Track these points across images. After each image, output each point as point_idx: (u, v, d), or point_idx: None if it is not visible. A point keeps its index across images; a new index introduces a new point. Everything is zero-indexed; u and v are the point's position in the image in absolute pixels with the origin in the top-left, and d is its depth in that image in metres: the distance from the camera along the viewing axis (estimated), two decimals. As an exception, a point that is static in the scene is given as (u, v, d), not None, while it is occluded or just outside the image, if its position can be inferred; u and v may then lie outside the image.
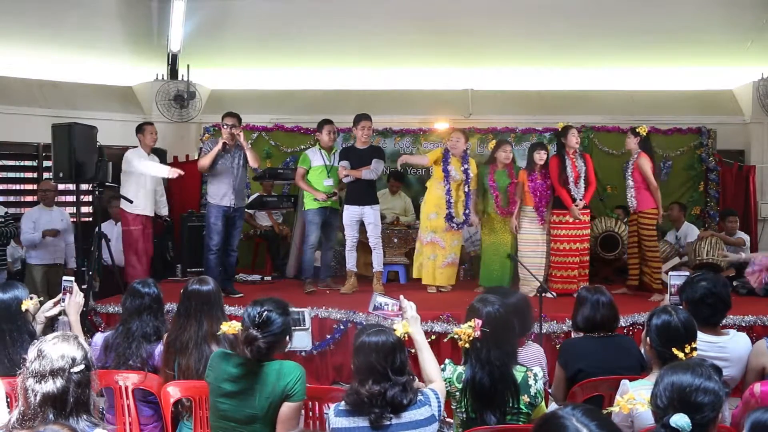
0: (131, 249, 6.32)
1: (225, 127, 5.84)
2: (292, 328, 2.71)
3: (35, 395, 2.02)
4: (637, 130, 5.91)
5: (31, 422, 2.01)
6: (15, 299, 3.12)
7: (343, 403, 2.37)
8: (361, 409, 2.31)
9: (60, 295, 3.40)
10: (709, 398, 1.91)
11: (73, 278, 3.48)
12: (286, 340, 2.66)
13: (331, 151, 6.24)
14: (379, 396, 2.29)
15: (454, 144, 6.11)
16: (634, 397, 2.02)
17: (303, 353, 5.22)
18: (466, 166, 6.15)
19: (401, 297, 2.79)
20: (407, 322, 2.66)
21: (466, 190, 6.13)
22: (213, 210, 5.92)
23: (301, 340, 3.09)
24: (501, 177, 6.13)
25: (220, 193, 5.89)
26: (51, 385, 2.02)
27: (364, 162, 6.07)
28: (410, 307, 2.73)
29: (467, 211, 6.15)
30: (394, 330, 2.48)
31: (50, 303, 3.40)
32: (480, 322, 2.59)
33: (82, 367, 2.08)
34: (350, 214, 6.11)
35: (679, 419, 1.86)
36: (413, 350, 2.70)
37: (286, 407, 2.55)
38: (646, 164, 5.83)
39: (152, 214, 6.47)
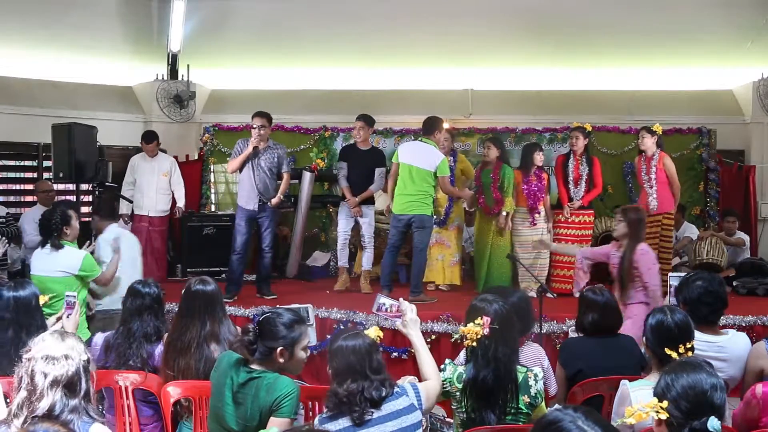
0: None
1: (254, 128, 5.69)
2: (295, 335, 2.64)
3: (45, 376, 2.08)
4: (653, 129, 5.79)
5: (37, 403, 2.07)
6: (33, 295, 3.27)
7: (325, 410, 2.40)
8: (342, 410, 2.34)
9: (63, 310, 3.43)
10: (724, 396, 1.94)
11: (75, 294, 3.53)
12: (277, 352, 2.56)
13: None
14: (358, 393, 2.33)
15: (442, 143, 6.09)
16: (653, 405, 1.95)
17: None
18: (453, 162, 6.20)
19: (401, 299, 2.83)
20: (404, 323, 2.72)
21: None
22: (238, 212, 5.83)
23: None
24: (485, 175, 6.20)
25: (245, 196, 5.76)
26: (63, 368, 2.10)
27: (363, 163, 6.08)
28: (410, 309, 2.76)
29: (449, 206, 6.20)
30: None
31: (53, 318, 3.52)
32: (488, 319, 2.60)
33: (86, 357, 2.18)
34: (346, 212, 6.13)
35: (715, 423, 1.86)
36: (412, 349, 2.72)
37: (271, 421, 2.48)
38: (672, 164, 5.81)
39: (155, 214, 6.48)
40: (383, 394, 2.36)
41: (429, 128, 5.74)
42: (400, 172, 5.66)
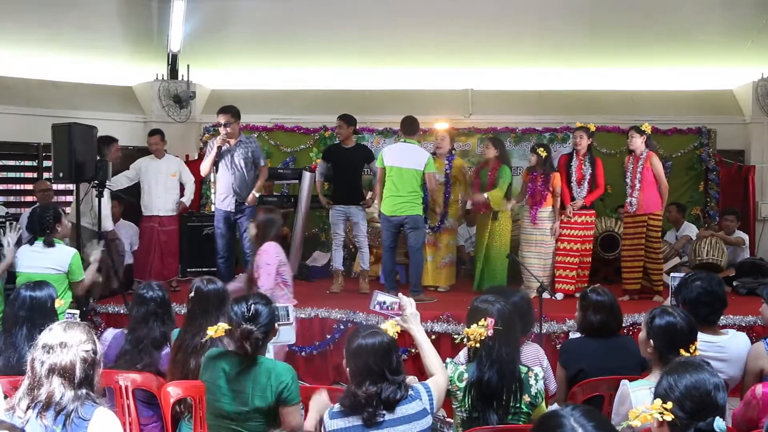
0: (140, 247, 6.50)
1: (219, 126, 5.64)
2: (277, 323, 2.78)
3: (42, 364, 2.13)
4: (641, 128, 5.74)
5: (37, 391, 2.12)
6: (50, 297, 3.35)
7: (337, 405, 2.40)
8: (355, 409, 2.34)
9: None
10: (726, 395, 1.94)
11: (77, 312, 3.54)
12: (275, 328, 2.74)
13: None
14: (375, 396, 2.32)
15: (439, 144, 6.23)
16: (657, 406, 1.92)
17: (303, 354, 5.23)
18: (448, 167, 6.21)
19: (400, 294, 2.83)
20: (405, 319, 2.70)
21: (446, 190, 6.24)
22: (216, 213, 5.80)
23: (286, 335, 3.17)
24: (483, 175, 6.21)
25: (221, 197, 5.74)
26: (58, 356, 2.13)
27: (348, 162, 6.09)
28: (410, 304, 2.75)
29: (444, 210, 6.22)
30: (385, 330, 2.50)
31: None
32: (492, 320, 2.59)
33: (88, 348, 2.18)
34: (336, 213, 6.14)
35: (721, 423, 1.86)
36: (413, 350, 2.72)
37: (287, 413, 2.59)
38: (659, 164, 5.77)
39: (164, 213, 6.43)
40: (398, 396, 2.35)
41: (410, 128, 5.80)
42: (388, 175, 5.67)
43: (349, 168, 6.12)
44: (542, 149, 5.97)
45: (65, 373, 2.13)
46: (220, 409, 2.61)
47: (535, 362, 3.16)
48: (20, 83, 7.28)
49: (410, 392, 2.41)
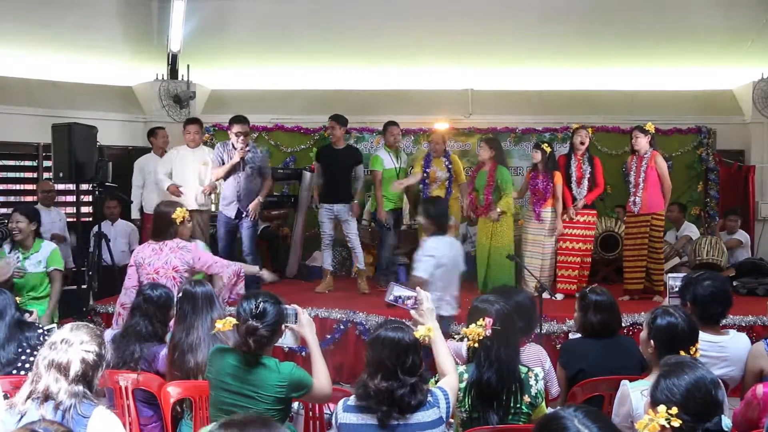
0: None
1: (238, 136, 5.66)
2: (285, 325, 2.76)
3: (43, 359, 2.24)
4: (645, 128, 5.73)
5: (36, 383, 2.22)
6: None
7: (352, 398, 2.38)
8: (369, 405, 2.31)
9: None
10: (724, 392, 1.93)
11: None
12: (281, 328, 2.72)
13: (398, 153, 6.46)
14: (386, 393, 2.29)
15: (434, 147, 6.35)
16: (663, 413, 1.89)
17: (303, 354, 5.22)
18: (448, 164, 6.26)
19: (417, 288, 2.77)
20: (420, 313, 2.65)
21: (447, 186, 6.25)
22: (219, 216, 5.94)
23: (290, 338, 3.15)
24: (481, 177, 6.17)
25: (226, 201, 5.85)
26: (58, 353, 2.23)
27: (339, 162, 6.14)
28: (426, 298, 2.70)
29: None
30: (415, 330, 2.45)
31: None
32: (491, 320, 2.58)
33: (90, 349, 2.26)
34: (324, 212, 6.15)
35: (728, 421, 1.86)
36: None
37: (311, 396, 2.69)
38: (664, 163, 5.77)
39: (194, 207, 6.25)
40: (414, 401, 2.31)
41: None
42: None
43: (338, 168, 6.15)
44: (546, 144, 6.00)
45: (61, 368, 2.21)
46: (227, 406, 2.60)
47: (536, 363, 3.16)
48: (20, 83, 7.28)
49: (429, 398, 2.36)
